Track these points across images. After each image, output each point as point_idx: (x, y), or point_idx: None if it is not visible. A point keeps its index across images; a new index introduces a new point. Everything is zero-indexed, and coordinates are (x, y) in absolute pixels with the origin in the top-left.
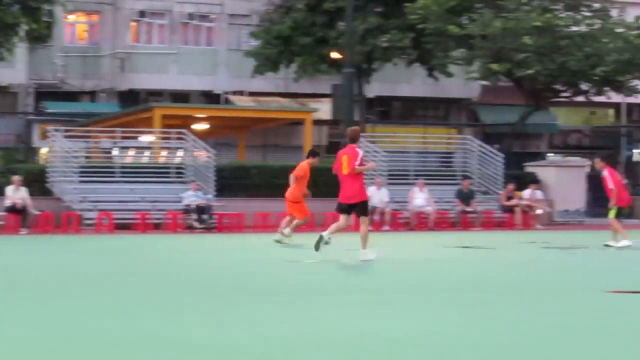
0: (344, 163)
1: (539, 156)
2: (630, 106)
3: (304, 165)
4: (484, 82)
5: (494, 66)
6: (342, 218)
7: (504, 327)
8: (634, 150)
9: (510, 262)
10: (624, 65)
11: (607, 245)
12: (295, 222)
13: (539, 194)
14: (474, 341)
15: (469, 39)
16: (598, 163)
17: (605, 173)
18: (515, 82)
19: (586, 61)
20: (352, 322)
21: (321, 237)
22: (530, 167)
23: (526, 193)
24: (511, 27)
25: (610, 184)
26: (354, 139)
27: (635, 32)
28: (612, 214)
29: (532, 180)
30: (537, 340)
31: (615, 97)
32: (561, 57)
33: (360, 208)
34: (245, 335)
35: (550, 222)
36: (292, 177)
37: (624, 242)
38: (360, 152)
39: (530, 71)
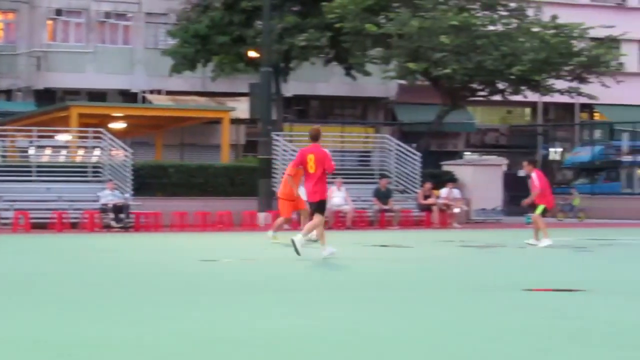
0: (309, 162)
1: (456, 155)
2: (547, 105)
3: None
4: (402, 81)
5: (411, 65)
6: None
7: (422, 326)
8: (550, 149)
9: (428, 261)
10: (540, 64)
11: (528, 244)
12: (279, 220)
13: (456, 193)
14: (390, 340)
15: (387, 38)
16: (526, 166)
17: (534, 175)
18: (433, 81)
19: (503, 60)
20: (266, 321)
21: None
22: (448, 166)
23: (443, 192)
24: (428, 26)
25: (536, 183)
26: (317, 138)
27: (551, 31)
28: (538, 210)
29: (449, 179)
30: (455, 338)
31: (531, 96)
32: (478, 56)
33: (318, 206)
34: (159, 334)
35: (467, 221)
36: (288, 178)
37: (545, 242)
38: (327, 152)
39: (447, 70)
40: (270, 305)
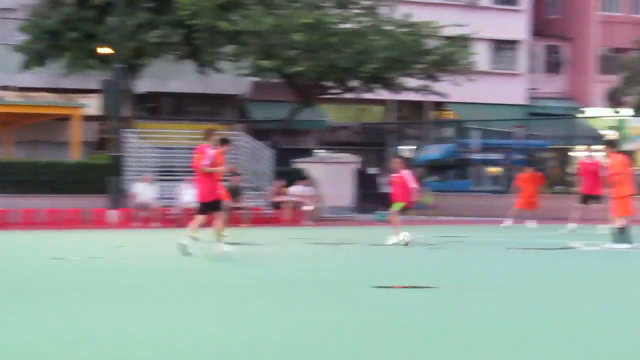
0: (197, 162)
1: (309, 152)
2: (400, 103)
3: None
4: (255, 79)
5: (264, 63)
6: (200, 217)
7: (271, 324)
8: (401, 147)
9: (280, 258)
10: (392, 62)
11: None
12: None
13: (308, 190)
14: (224, 339)
15: (240, 36)
16: (396, 163)
17: (406, 172)
18: (285, 78)
19: (355, 58)
20: (113, 321)
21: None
22: (300, 164)
23: (295, 189)
24: (281, 23)
25: (411, 182)
26: (206, 138)
27: (404, 29)
28: (396, 207)
29: (301, 177)
30: (305, 336)
31: (384, 94)
32: (331, 54)
33: (212, 206)
34: (10, 335)
35: (319, 218)
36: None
37: (394, 239)
38: (210, 152)
39: (299, 68)
40: (114, 303)
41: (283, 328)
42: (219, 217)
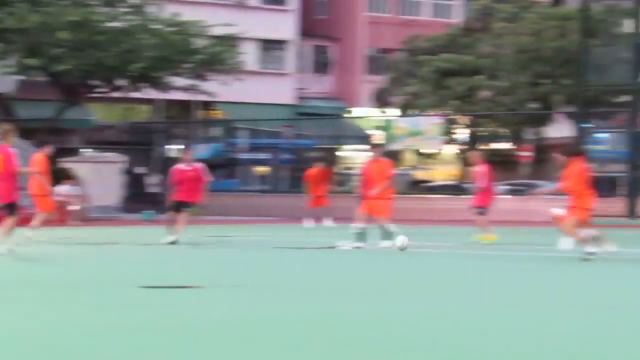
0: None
1: (75, 152)
2: (169, 102)
3: (39, 158)
4: (20, 77)
5: (29, 61)
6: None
7: (46, 325)
8: (168, 146)
9: (45, 258)
10: (160, 61)
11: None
12: (41, 216)
13: (74, 190)
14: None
15: (5, 33)
16: (188, 154)
17: (199, 165)
18: (52, 77)
19: (123, 57)
20: None
21: None
22: (66, 163)
23: (61, 189)
24: (47, 21)
25: (206, 177)
26: (4, 137)
27: (172, 28)
28: (192, 208)
29: (67, 176)
30: (70, 335)
31: (152, 94)
32: (97, 53)
33: (9, 208)
34: None
35: (85, 218)
36: (29, 170)
37: (170, 238)
38: (14, 152)
39: (65, 66)
40: None
41: (33, 328)
42: (11, 220)
